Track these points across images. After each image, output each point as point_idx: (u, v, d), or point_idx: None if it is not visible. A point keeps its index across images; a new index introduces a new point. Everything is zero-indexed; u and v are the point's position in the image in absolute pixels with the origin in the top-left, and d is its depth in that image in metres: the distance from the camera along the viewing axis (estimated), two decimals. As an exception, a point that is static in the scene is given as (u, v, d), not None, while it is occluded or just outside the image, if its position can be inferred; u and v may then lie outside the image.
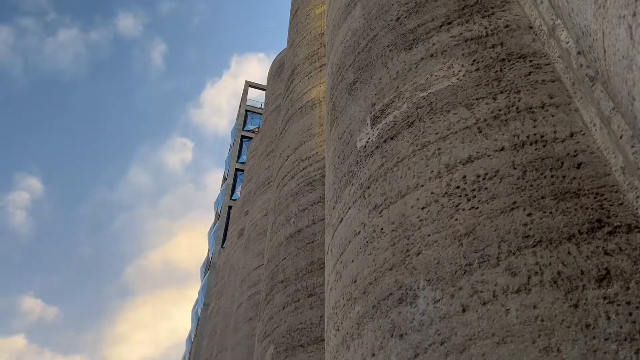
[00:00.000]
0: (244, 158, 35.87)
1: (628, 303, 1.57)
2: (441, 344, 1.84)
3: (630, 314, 1.55)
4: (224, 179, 39.16)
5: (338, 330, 2.56)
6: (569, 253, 1.75)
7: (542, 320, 1.65)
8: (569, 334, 1.58)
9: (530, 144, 2.11)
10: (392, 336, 2.06)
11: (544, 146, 2.07)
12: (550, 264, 1.75)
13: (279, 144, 7.67)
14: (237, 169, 36.43)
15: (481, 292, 1.83)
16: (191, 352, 28.74)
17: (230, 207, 33.27)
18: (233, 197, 34.62)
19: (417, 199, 2.29)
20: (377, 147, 2.70)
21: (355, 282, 2.50)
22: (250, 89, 42.33)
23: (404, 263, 2.18)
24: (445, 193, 2.17)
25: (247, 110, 40.72)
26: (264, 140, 11.56)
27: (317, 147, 6.55)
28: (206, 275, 31.24)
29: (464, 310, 1.84)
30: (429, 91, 2.58)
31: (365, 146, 2.83)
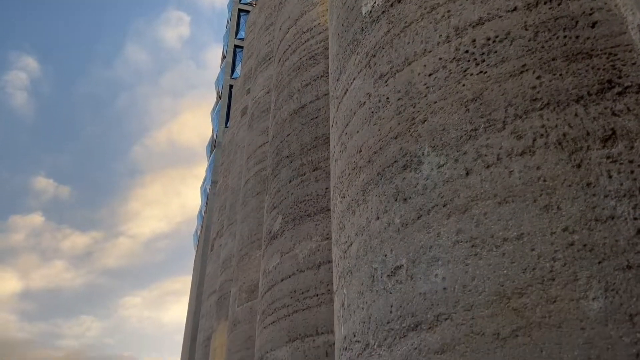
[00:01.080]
0: (242, 34, 34.55)
1: (631, 162, 1.60)
2: (444, 206, 1.91)
3: (632, 172, 1.58)
4: (223, 57, 38.13)
5: (344, 197, 2.65)
6: (576, 115, 1.74)
7: (545, 181, 1.69)
8: (569, 193, 1.63)
9: (544, 3, 2.00)
10: (396, 200, 2.14)
11: (559, 5, 1.97)
12: (556, 126, 1.75)
13: (279, 16, 7.33)
14: (236, 46, 35.29)
15: (485, 155, 1.86)
16: (202, 226, 30.18)
17: (231, 86, 32.80)
18: (233, 76, 33.97)
19: (425, 65, 2.23)
20: (384, 11, 2.57)
21: (360, 151, 2.53)
22: (245, -43, 39.49)
23: (409, 131, 2.19)
24: (454, 58, 2.11)
25: (243, -18, 38.39)
26: (262, 12, 11.04)
27: (320, 17, 6.27)
28: (212, 154, 31.76)
29: (467, 174, 1.88)
30: (439, -53, 2.40)
31: (370, 11, 2.70)
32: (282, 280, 5.15)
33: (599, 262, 1.50)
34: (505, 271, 1.65)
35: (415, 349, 1.82)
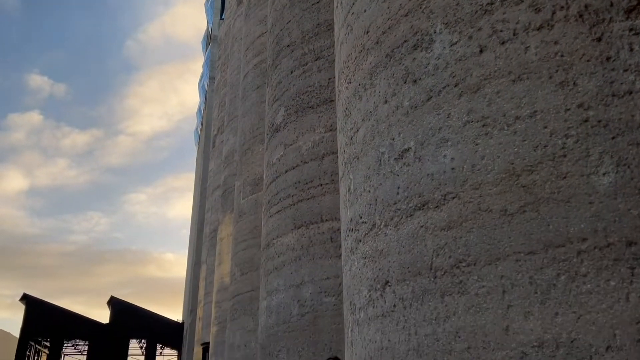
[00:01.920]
0: None
1: (655, 33, 1.52)
2: (455, 86, 1.86)
3: (655, 43, 1.51)
4: (215, -58, 35.57)
5: (350, 82, 2.58)
6: (600, -16, 1.63)
7: (562, 56, 1.62)
8: (587, 68, 1.57)
9: None
10: (405, 82, 2.08)
11: None
12: (578, -3, 1.65)
13: None
14: None
15: (501, 31, 1.77)
16: (202, 123, 30.08)
17: (225, -26, 30.93)
18: (227, -37, 31.92)
19: None
20: None
21: (367, 32, 2.42)
22: None
23: (420, 7, 2.07)
24: None
25: None
26: None
27: None
28: (208, 49, 30.80)
29: (481, 51, 1.81)
30: None
31: None
32: (286, 172, 5.22)
33: (613, 138, 1.48)
34: (515, 149, 1.64)
35: (422, 226, 1.86)
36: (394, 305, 1.92)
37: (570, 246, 1.46)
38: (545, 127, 1.60)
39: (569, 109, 1.57)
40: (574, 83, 1.58)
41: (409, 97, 2.04)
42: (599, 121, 1.52)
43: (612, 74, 1.54)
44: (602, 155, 1.48)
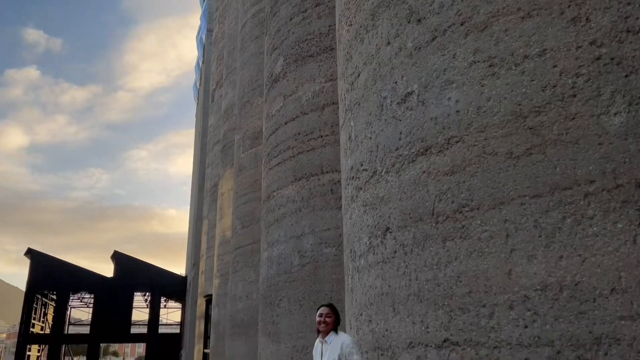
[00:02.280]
0: None
1: (676, -37, 1.43)
2: (461, 24, 1.77)
3: (676, -26, 1.42)
4: None
5: (351, 25, 2.48)
6: None
7: (575, -10, 1.53)
8: (601, 2, 1.49)
9: None
10: (409, 22, 1.99)
11: None
12: None
13: None
14: None
15: (511, -36, 1.67)
16: (201, 77, 29.63)
17: None
18: None
19: None
20: None
21: (369, -29, 2.31)
22: None
23: (425, -59, 1.95)
24: None
25: None
26: None
27: None
28: (205, 0, 29.96)
29: (489, -13, 1.71)
30: None
31: None
32: (286, 124, 5.14)
33: (626, 76, 1.42)
34: (523, 90, 1.57)
35: (424, 172, 1.82)
36: (395, 252, 1.90)
37: (578, 189, 1.42)
38: (555, 66, 1.53)
39: (580, 47, 1.50)
40: (587, 19, 1.50)
41: (413, 38, 1.96)
42: (612, 59, 1.45)
43: (627, 9, 1.46)
44: (614, 94, 1.42)
